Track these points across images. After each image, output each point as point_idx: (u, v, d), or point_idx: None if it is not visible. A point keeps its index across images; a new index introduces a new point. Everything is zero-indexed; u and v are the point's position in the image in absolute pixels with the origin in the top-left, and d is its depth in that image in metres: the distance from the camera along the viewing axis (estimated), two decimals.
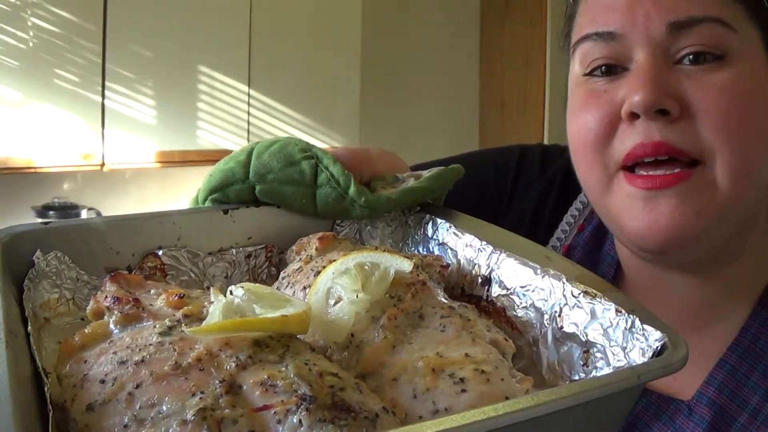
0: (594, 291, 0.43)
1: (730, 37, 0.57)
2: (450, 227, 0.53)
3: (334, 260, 0.45)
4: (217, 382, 0.34)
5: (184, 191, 2.78)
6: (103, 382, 0.35)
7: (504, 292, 0.48)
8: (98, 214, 2.52)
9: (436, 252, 0.53)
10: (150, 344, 0.37)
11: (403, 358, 0.38)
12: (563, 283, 0.44)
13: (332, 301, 0.41)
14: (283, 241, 0.51)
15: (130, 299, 0.41)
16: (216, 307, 0.37)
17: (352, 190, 0.54)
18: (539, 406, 0.31)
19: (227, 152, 2.44)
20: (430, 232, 0.55)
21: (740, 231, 0.62)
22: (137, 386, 0.34)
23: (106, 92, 2.18)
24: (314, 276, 0.44)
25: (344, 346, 0.39)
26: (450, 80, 3.17)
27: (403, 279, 0.42)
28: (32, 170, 2.11)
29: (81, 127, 2.15)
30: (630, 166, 0.59)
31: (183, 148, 2.37)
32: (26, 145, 2.07)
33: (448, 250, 0.53)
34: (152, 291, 0.43)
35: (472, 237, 0.51)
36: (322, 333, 0.39)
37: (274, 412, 0.32)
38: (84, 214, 2.43)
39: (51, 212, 2.36)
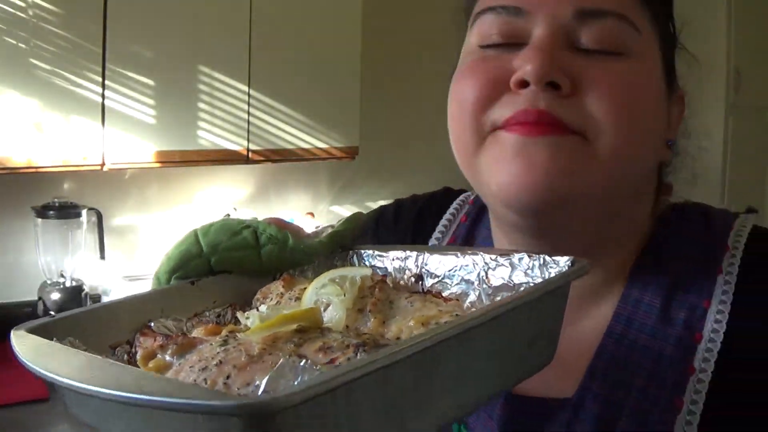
0: (505, 252, 0.55)
1: (632, 36, 0.59)
2: (373, 253, 0.63)
3: (304, 288, 0.55)
4: (288, 356, 0.41)
5: (184, 191, 2.78)
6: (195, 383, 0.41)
7: (436, 280, 0.58)
8: (98, 214, 2.52)
9: None
10: (218, 353, 0.43)
11: (396, 326, 0.50)
12: (481, 255, 0.56)
13: (322, 308, 0.51)
14: (240, 299, 0.61)
15: (179, 334, 0.48)
16: (254, 319, 0.48)
17: (291, 242, 0.61)
18: (511, 302, 0.44)
19: (227, 152, 2.44)
20: (356, 262, 0.65)
21: (613, 220, 0.64)
22: (228, 377, 0.41)
23: (106, 92, 2.18)
24: (295, 302, 0.55)
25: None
26: (451, 80, 3.17)
27: (366, 282, 0.54)
28: (32, 170, 2.11)
29: (81, 127, 2.15)
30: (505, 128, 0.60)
31: (183, 148, 2.37)
32: (26, 145, 2.07)
33: (378, 270, 0.62)
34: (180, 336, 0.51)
35: (396, 252, 0.62)
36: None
37: (340, 361, 0.41)
38: (84, 214, 2.43)
39: (51, 212, 2.36)
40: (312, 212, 3.01)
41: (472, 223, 0.79)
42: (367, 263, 0.64)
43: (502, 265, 0.54)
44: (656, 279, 0.65)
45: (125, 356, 0.53)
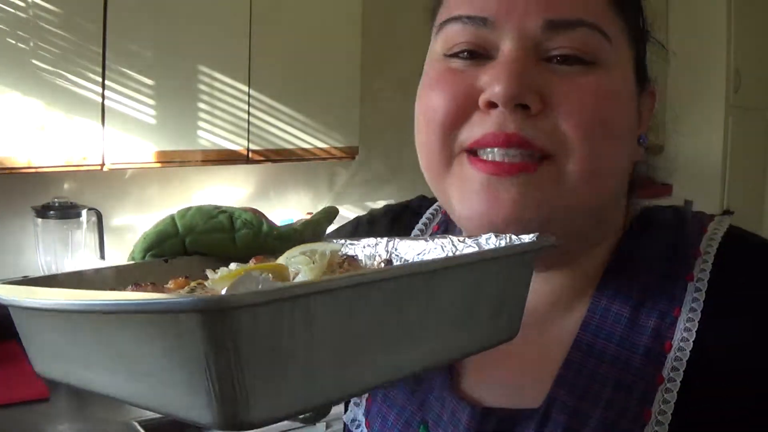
0: (473, 235, 0.56)
1: (603, 45, 0.58)
2: (345, 241, 0.65)
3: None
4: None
5: (184, 191, 2.78)
6: None
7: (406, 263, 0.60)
8: (98, 214, 2.52)
9: None
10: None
11: None
12: (449, 239, 0.57)
13: (291, 276, 0.52)
14: None
15: (148, 284, 0.49)
16: (221, 272, 0.48)
17: (265, 227, 0.63)
18: (477, 254, 0.48)
19: (227, 152, 2.43)
20: None
21: (583, 233, 0.63)
22: None
23: (106, 92, 2.18)
24: None
25: None
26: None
27: (335, 257, 0.54)
28: (32, 170, 2.11)
29: (81, 127, 2.15)
30: (473, 150, 0.59)
31: (183, 148, 2.37)
32: (26, 145, 2.07)
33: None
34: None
35: (366, 239, 0.64)
36: None
37: None
38: (84, 214, 2.43)
39: (51, 212, 2.36)
40: (312, 212, 3.01)
41: (444, 232, 0.78)
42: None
43: (470, 246, 0.56)
44: (626, 286, 0.63)
45: None
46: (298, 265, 0.53)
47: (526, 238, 0.52)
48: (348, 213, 3.20)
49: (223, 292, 0.39)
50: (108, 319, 0.38)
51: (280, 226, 0.64)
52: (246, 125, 2.46)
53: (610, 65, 0.58)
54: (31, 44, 2.05)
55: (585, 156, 0.57)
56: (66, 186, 2.51)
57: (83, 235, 2.46)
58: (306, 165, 2.87)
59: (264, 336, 0.35)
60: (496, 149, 0.58)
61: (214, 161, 2.45)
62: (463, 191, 0.60)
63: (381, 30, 3.00)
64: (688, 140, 3.26)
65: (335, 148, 2.67)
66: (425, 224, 0.81)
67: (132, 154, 2.27)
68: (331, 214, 0.68)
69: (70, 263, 2.42)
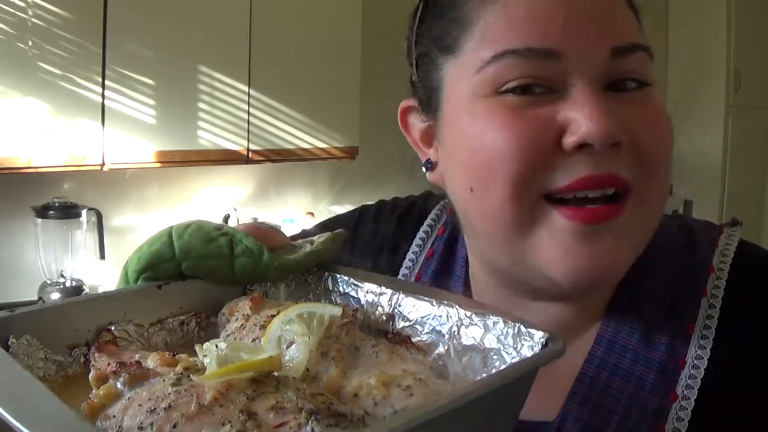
0: (482, 311, 0.52)
1: (651, 66, 0.57)
2: (349, 280, 0.62)
3: (272, 315, 0.53)
4: (238, 412, 0.41)
5: (184, 191, 2.78)
6: (141, 428, 0.41)
7: (407, 324, 0.57)
8: (98, 214, 2.52)
9: (339, 301, 0.62)
10: (168, 393, 0.43)
11: (357, 380, 0.48)
12: (456, 309, 0.53)
13: (285, 346, 0.50)
14: (207, 308, 0.60)
15: (133, 362, 0.47)
16: (212, 359, 0.45)
17: (266, 256, 0.60)
18: (473, 391, 0.42)
19: (227, 152, 2.44)
20: (330, 285, 0.63)
21: None
22: (174, 426, 0.41)
23: (106, 92, 2.18)
24: (259, 329, 0.53)
25: (301, 380, 0.48)
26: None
27: (334, 322, 0.52)
28: (32, 170, 2.11)
29: (81, 127, 2.15)
30: (553, 197, 0.55)
31: (183, 148, 2.37)
32: (26, 145, 2.07)
33: (350, 299, 0.61)
34: (137, 356, 0.50)
35: (371, 285, 0.60)
36: (282, 372, 0.48)
37: (290, 427, 0.40)
38: (84, 214, 2.43)
39: (51, 212, 2.36)
40: (312, 212, 3.02)
41: (450, 237, 0.77)
42: (340, 289, 0.62)
43: (476, 324, 0.52)
44: (638, 302, 0.62)
45: (81, 358, 0.53)
46: (293, 335, 0.50)
47: (537, 335, 0.48)
48: None
49: None
50: None
51: (281, 257, 0.61)
52: (246, 125, 2.46)
53: (655, 82, 0.58)
54: (31, 45, 2.05)
55: (662, 179, 0.56)
56: (66, 186, 2.51)
57: (83, 235, 2.46)
58: (306, 165, 2.87)
59: None
60: (578, 192, 0.54)
61: (214, 161, 2.45)
62: (558, 247, 0.55)
63: (381, 30, 3.00)
64: (688, 140, 3.26)
65: (335, 148, 2.67)
66: (430, 226, 0.79)
67: (132, 154, 2.27)
68: (336, 242, 0.64)
69: (70, 263, 2.42)
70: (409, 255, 0.77)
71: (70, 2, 2.09)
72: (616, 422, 0.59)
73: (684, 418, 0.57)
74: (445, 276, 0.74)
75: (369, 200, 3.39)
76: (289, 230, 2.98)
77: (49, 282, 2.40)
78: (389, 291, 0.58)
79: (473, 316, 0.52)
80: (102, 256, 2.56)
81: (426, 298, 0.56)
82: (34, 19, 2.04)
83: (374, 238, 0.81)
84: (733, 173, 3.71)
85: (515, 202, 0.55)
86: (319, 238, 0.64)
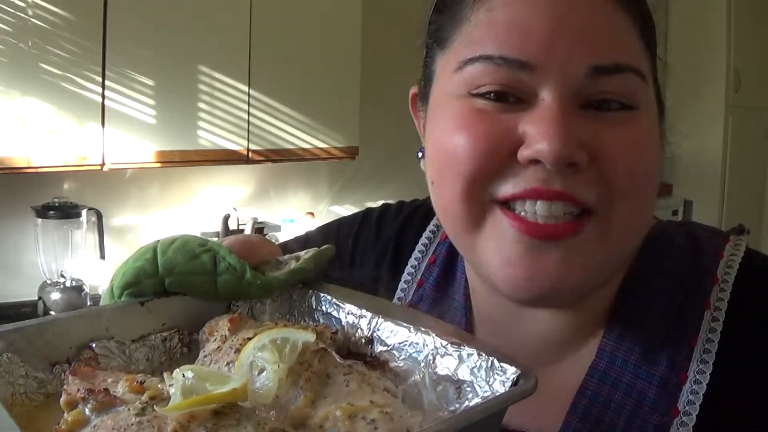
0: (458, 341, 0.52)
1: (642, 88, 0.54)
2: (331, 299, 0.62)
3: (248, 338, 0.54)
4: None
5: (184, 191, 2.78)
6: None
7: (385, 348, 0.58)
8: (98, 214, 2.52)
9: (322, 321, 0.63)
10: (131, 424, 0.45)
11: (323, 410, 0.48)
12: (433, 337, 0.54)
13: (256, 372, 0.51)
14: (190, 324, 0.61)
15: (101, 389, 0.49)
16: (177, 389, 0.46)
17: (248, 275, 0.60)
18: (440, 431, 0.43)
19: (227, 152, 2.43)
20: (314, 304, 0.64)
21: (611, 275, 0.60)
22: None
23: (106, 92, 2.18)
24: (234, 353, 0.54)
25: (271, 407, 0.49)
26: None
27: (308, 348, 0.53)
28: (32, 170, 2.11)
29: (81, 127, 2.15)
30: (507, 202, 0.55)
31: (183, 148, 2.37)
32: (26, 145, 2.07)
33: (332, 319, 0.62)
34: (110, 379, 0.52)
35: (352, 306, 0.61)
36: (251, 398, 0.48)
37: None
38: (84, 214, 2.43)
39: (51, 212, 2.36)
40: (312, 212, 3.02)
41: (447, 249, 0.76)
42: (323, 308, 0.63)
43: (450, 355, 0.53)
44: (640, 313, 0.61)
45: (62, 375, 0.54)
46: (265, 362, 0.51)
47: (509, 371, 0.49)
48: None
49: None
50: None
51: (266, 274, 0.62)
52: (246, 125, 2.46)
53: (647, 106, 0.55)
54: (31, 45, 2.05)
55: (631, 207, 0.54)
56: (66, 186, 2.51)
57: (83, 235, 2.46)
58: (306, 165, 2.87)
59: None
60: (538, 202, 0.53)
61: (214, 161, 2.45)
62: (500, 253, 0.55)
63: (381, 30, 3.00)
64: (688, 140, 3.26)
65: (335, 148, 2.67)
66: (433, 231, 0.78)
67: (132, 154, 2.27)
68: (321, 258, 0.64)
69: (70, 263, 2.42)
70: (411, 261, 0.77)
71: (71, 2, 2.09)
72: (629, 410, 0.58)
73: None
74: (446, 282, 0.73)
75: (369, 200, 3.41)
76: (290, 231, 2.98)
77: (49, 282, 2.41)
78: (369, 314, 0.59)
79: (449, 346, 0.53)
80: (102, 256, 2.56)
81: (404, 324, 0.56)
82: (34, 20, 2.04)
83: (377, 242, 0.81)
84: (733, 173, 3.71)
85: (464, 201, 0.55)
86: (305, 254, 0.64)
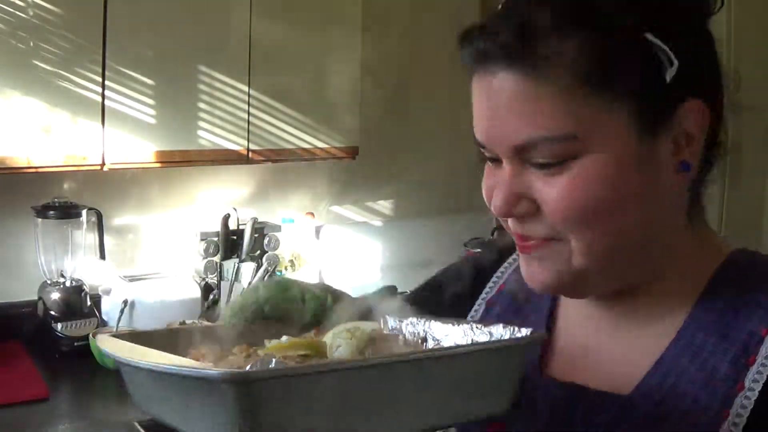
0: (488, 323, 0.72)
1: (570, 146, 0.63)
2: (395, 319, 0.79)
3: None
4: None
5: (184, 191, 2.78)
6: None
7: (436, 342, 0.75)
8: (98, 214, 2.52)
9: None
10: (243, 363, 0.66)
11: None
12: (470, 325, 0.73)
13: (335, 348, 0.68)
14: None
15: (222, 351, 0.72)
16: (272, 343, 0.69)
17: (329, 301, 0.78)
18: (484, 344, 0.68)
19: (227, 152, 2.42)
20: (381, 324, 0.80)
21: (625, 275, 0.71)
22: None
23: (106, 92, 2.18)
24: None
25: None
26: (451, 80, 3.17)
27: (374, 334, 0.71)
28: (32, 170, 2.11)
29: (81, 127, 2.15)
30: None
31: (183, 148, 2.37)
32: (26, 145, 2.07)
33: (394, 331, 0.79)
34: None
35: (412, 318, 0.78)
36: (330, 357, 0.67)
37: None
38: (84, 214, 2.43)
39: (51, 212, 2.36)
40: (312, 212, 3.01)
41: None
42: (389, 325, 0.79)
43: (484, 332, 0.71)
44: (719, 305, 0.70)
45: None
46: (340, 339, 0.68)
47: (523, 331, 0.67)
48: (348, 213, 3.20)
49: (248, 367, 0.60)
50: (165, 376, 0.57)
51: (342, 301, 0.79)
52: (246, 125, 2.46)
53: (588, 151, 0.63)
54: (31, 44, 2.05)
55: (584, 237, 0.66)
56: (66, 186, 2.51)
57: (83, 235, 2.46)
58: (306, 165, 2.87)
59: (268, 401, 0.51)
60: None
61: (214, 161, 2.45)
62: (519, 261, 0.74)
63: (381, 30, 3.00)
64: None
65: (335, 148, 2.67)
66: (505, 268, 0.90)
67: (132, 154, 2.27)
68: (387, 294, 0.83)
69: (70, 263, 2.42)
70: (490, 284, 0.90)
71: (70, 2, 2.09)
72: (687, 405, 0.66)
73: (747, 406, 0.64)
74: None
75: (369, 200, 3.40)
76: (290, 231, 2.97)
77: (49, 282, 2.41)
78: (423, 320, 0.76)
79: (482, 327, 0.71)
80: (102, 256, 2.56)
81: (447, 321, 0.74)
82: (34, 20, 2.04)
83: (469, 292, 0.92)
84: (733, 173, 3.71)
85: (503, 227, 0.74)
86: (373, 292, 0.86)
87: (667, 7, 0.64)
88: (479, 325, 0.71)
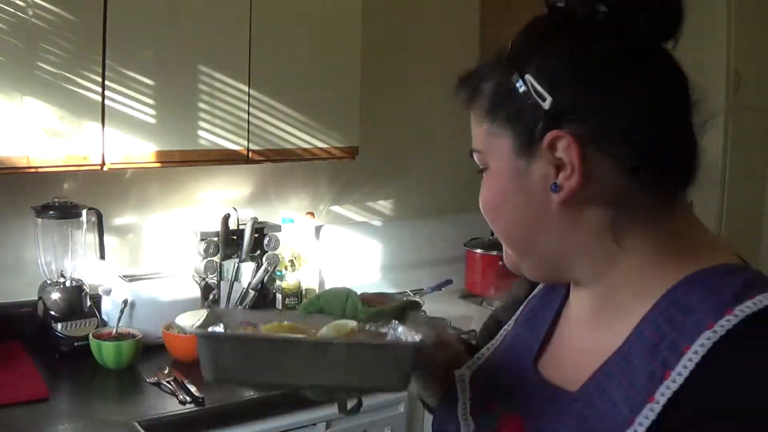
0: (408, 330, 0.96)
1: (480, 157, 0.85)
2: (369, 326, 1.01)
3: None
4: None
5: (184, 191, 2.78)
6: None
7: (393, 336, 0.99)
8: (98, 214, 2.52)
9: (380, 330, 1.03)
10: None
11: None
12: (400, 329, 0.98)
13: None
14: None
15: (252, 325, 0.98)
16: (270, 326, 0.97)
17: (360, 306, 1.01)
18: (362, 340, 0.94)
19: (227, 152, 2.42)
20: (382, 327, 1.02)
21: (563, 272, 0.83)
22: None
23: (106, 92, 2.18)
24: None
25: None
26: (451, 80, 3.16)
27: (354, 329, 0.98)
28: (32, 170, 2.11)
29: (81, 127, 2.15)
30: None
31: (183, 148, 2.37)
32: (26, 144, 2.07)
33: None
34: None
35: (393, 324, 1.00)
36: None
37: None
38: (84, 214, 2.43)
39: (51, 212, 2.36)
40: (312, 212, 3.02)
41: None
42: (387, 329, 1.00)
43: (392, 335, 0.97)
44: (660, 321, 0.73)
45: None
46: (327, 329, 0.94)
47: (417, 336, 0.91)
48: (348, 213, 3.20)
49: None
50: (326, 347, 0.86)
51: (372, 308, 1.00)
52: (246, 125, 2.46)
53: (494, 163, 0.83)
54: (31, 44, 2.05)
55: (495, 230, 0.86)
56: (66, 186, 2.51)
57: (83, 235, 2.46)
58: (306, 165, 2.87)
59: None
60: None
61: (214, 161, 2.45)
62: None
63: (381, 30, 3.00)
64: None
65: (335, 148, 2.67)
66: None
67: (132, 154, 2.27)
68: (397, 308, 1.01)
69: (70, 263, 2.42)
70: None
71: (71, 2, 2.09)
72: (608, 407, 0.72)
73: (650, 417, 0.68)
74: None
75: (369, 200, 3.39)
76: (290, 231, 2.97)
77: (49, 282, 2.41)
78: (395, 323, 0.99)
79: (404, 329, 0.97)
80: (102, 256, 2.56)
81: (409, 327, 0.95)
82: (34, 20, 2.04)
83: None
84: (733, 173, 3.71)
85: None
86: (394, 303, 1.04)
87: (553, 57, 0.78)
88: (402, 329, 0.96)
